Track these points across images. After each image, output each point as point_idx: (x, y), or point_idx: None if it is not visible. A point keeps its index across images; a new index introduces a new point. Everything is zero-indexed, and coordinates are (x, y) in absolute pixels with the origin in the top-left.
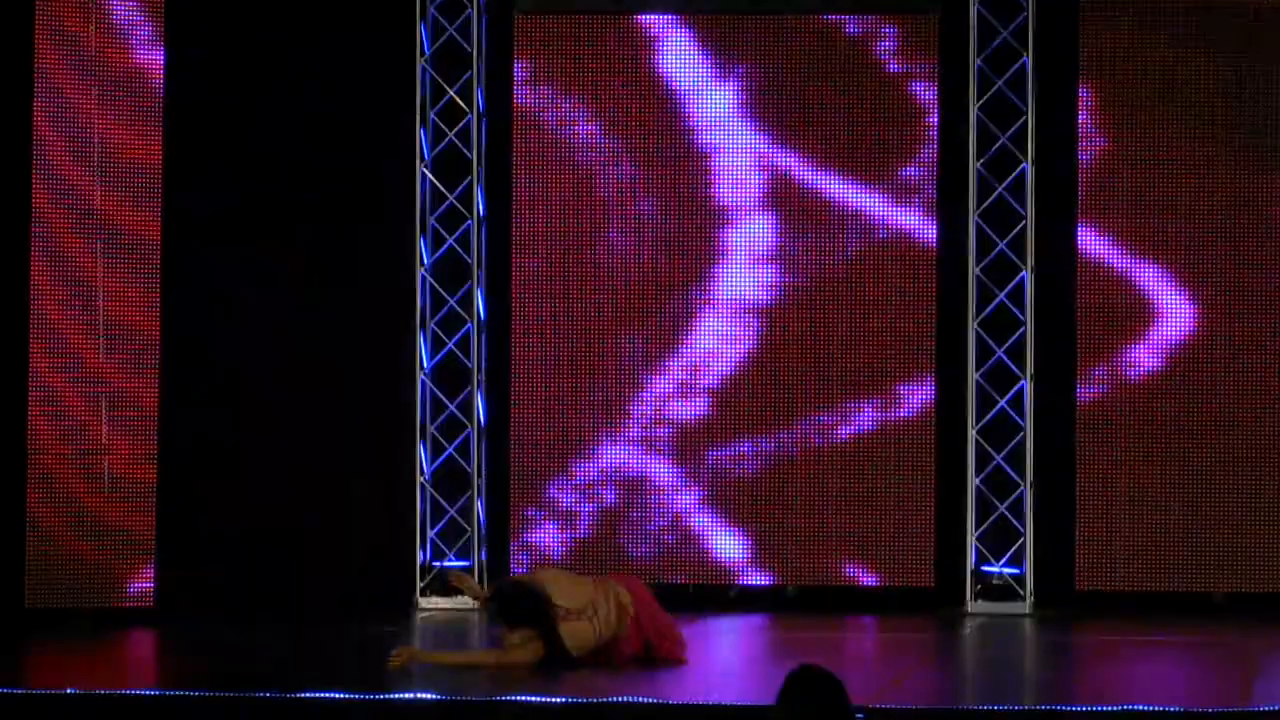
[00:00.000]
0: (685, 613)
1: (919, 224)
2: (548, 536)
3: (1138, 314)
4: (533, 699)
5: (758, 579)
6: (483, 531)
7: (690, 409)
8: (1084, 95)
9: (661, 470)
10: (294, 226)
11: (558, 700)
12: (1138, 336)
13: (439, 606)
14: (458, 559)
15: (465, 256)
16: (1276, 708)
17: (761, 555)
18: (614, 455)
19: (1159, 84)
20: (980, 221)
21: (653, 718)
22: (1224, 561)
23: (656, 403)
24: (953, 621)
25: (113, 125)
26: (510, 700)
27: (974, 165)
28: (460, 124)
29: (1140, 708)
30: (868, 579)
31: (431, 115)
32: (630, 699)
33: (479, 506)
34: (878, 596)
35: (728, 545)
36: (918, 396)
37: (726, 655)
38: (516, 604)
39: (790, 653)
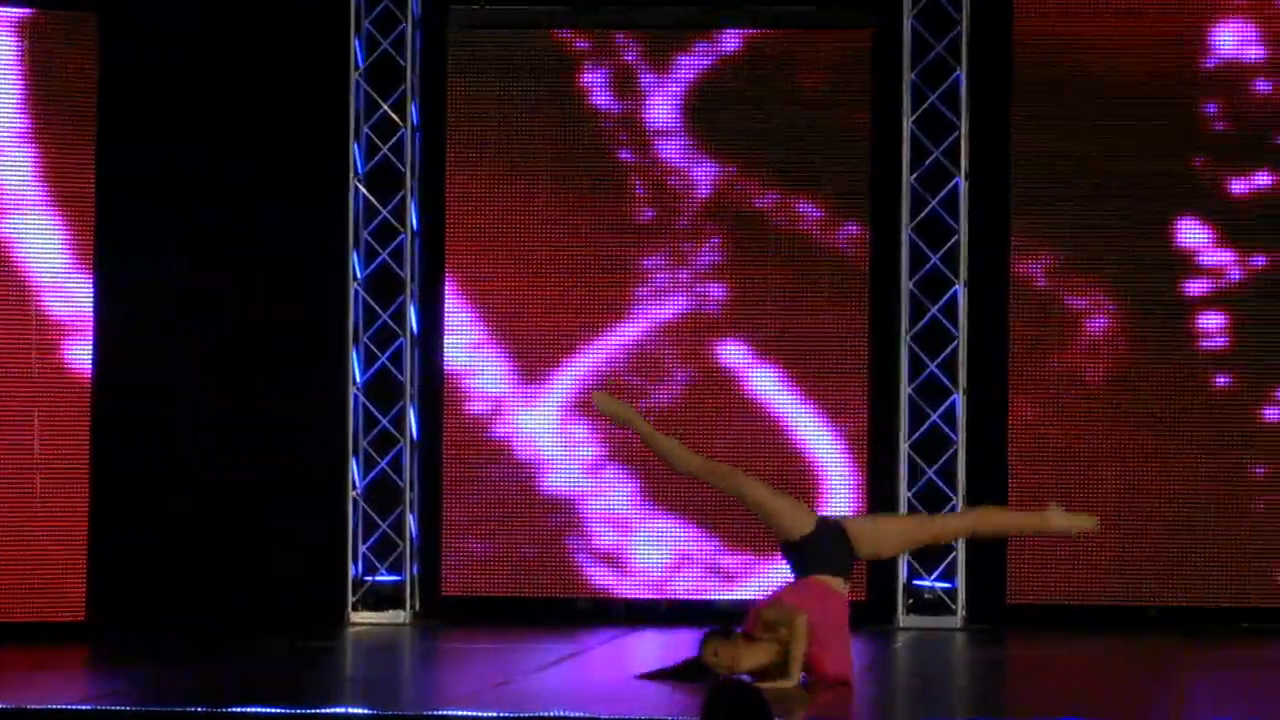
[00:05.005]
0: (617, 626)
1: (852, 238)
2: (481, 550)
3: (1070, 327)
4: (461, 713)
5: (694, 592)
6: (415, 545)
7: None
8: (1017, 109)
9: (594, 483)
10: (226, 239)
11: (491, 714)
12: (1070, 350)
13: (371, 621)
14: (389, 573)
15: (398, 271)
16: None
17: (700, 569)
18: (549, 469)
19: (1092, 97)
20: (913, 235)
21: None
22: (1157, 576)
23: (593, 413)
24: (884, 636)
25: (46, 139)
26: (454, 714)
27: (907, 179)
28: (394, 138)
29: None
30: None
31: (365, 129)
32: (568, 713)
33: (411, 521)
34: None
35: (656, 557)
36: (850, 410)
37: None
38: None
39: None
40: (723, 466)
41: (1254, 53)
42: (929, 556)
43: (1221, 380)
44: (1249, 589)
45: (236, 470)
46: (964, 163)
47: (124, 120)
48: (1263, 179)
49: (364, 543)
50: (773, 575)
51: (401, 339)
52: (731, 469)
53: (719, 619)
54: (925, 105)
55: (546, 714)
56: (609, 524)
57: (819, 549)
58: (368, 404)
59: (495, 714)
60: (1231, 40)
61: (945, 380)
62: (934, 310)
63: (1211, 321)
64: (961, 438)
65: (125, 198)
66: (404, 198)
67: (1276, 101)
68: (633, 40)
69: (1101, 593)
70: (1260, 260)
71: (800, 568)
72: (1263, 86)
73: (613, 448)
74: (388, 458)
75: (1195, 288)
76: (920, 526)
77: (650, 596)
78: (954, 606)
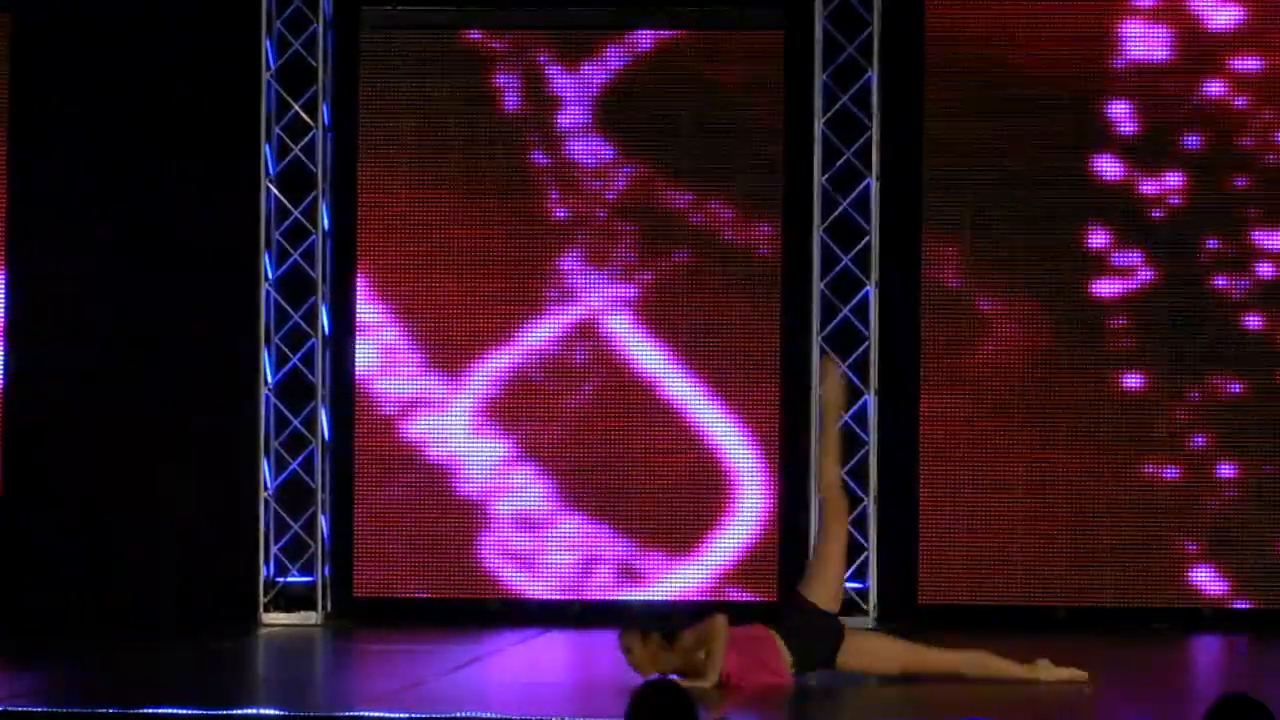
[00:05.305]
0: (530, 626)
1: (763, 238)
2: (393, 551)
3: (981, 328)
4: (373, 714)
5: (606, 593)
6: (326, 547)
7: (537, 421)
8: (928, 110)
9: (506, 485)
10: (137, 240)
11: (403, 715)
12: (981, 351)
13: (282, 622)
14: (301, 574)
15: (310, 271)
16: None
17: (612, 570)
18: (461, 470)
19: (1004, 98)
20: (825, 236)
21: None
22: (1067, 576)
23: (505, 415)
24: None
25: None
26: (366, 715)
27: (819, 180)
28: (305, 139)
29: None
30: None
31: (276, 130)
32: (480, 714)
33: (323, 522)
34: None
35: (568, 559)
36: (762, 410)
37: (567, 669)
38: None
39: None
40: (843, 501)
41: (1164, 53)
42: None
43: (1132, 382)
44: (1158, 590)
45: (147, 470)
46: (875, 163)
47: (36, 119)
48: (1173, 179)
49: (275, 544)
50: (683, 576)
51: (313, 340)
52: (847, 507)
53: (643, 619)
54: (837, 106)
55: (458, 715)
56: (521, 525)
57: (810, 626)
58: (279, 405)
59: (407, 715)
60: (1142, 41)
61: (857, 381)
62: (845, 311)
63: (1122, 323)
64: (873, 438)
65: (37, 196)
66: (316, 199)
67: (1187, 101)
68: (544, 41)
69: (1012, 594)
70: (1170, 261)
71: (779, 619)
72: (1173, 87)
73: (524, 449)
74: (299, 458)
75: (1106, 289)
76: (910, 650)
77: (562, 598)
78: (865, 607)
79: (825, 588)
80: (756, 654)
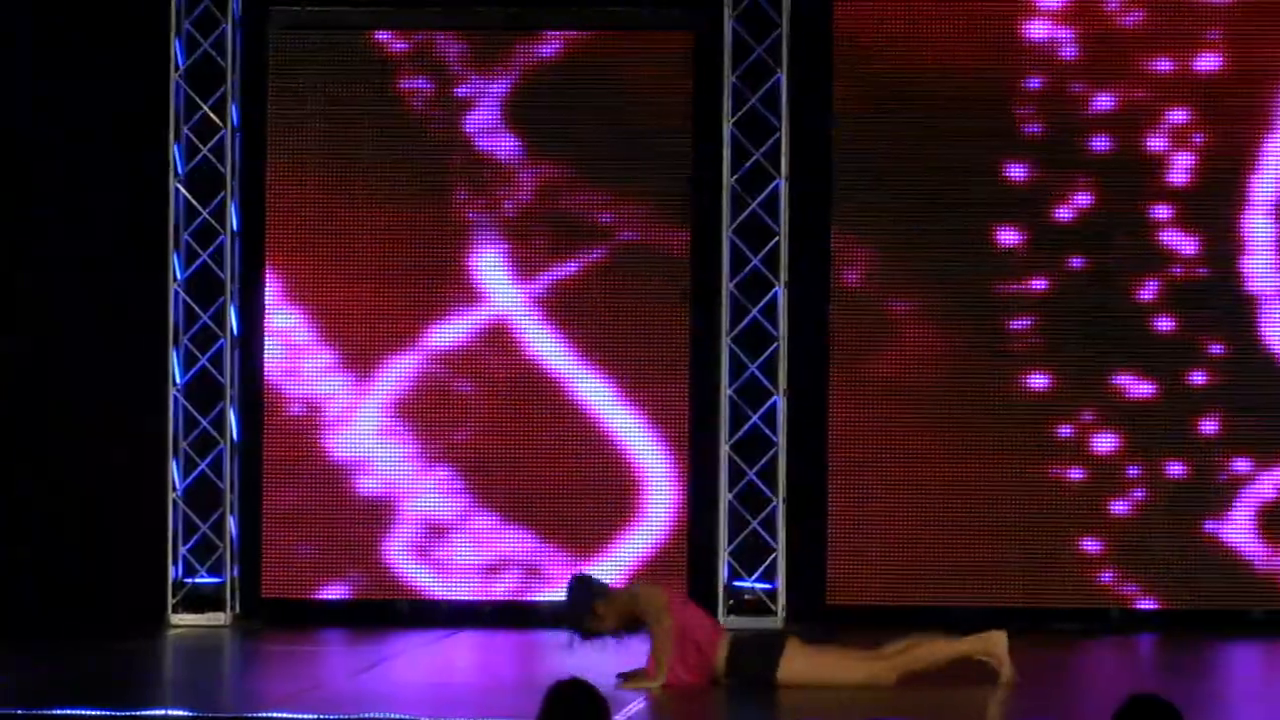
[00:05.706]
0: (438, 628)
1: (673, 239)
2: (302, 552)
3: (890, 329)
4: (281, 715)
5: (515, 594)
6: (235, 547)
7: (446, 422)
8: (838, 111)
9: (415, 485)
10: (44, 239)
11: (311, 716)
12: (890, 351)
13: (190, 623)
14: (209, 575)
15: (219, 272)
16: None
17: (520, 571)
18: (369, 470)
19: (912, 99)
20: (734, 237)
21: None
22: (975, 577)
23: (414, 416)
24: None
25: None
26: (274, 716)
27: (728, 181)
28: (214, 139)
29: None
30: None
31: (185, 130)
32: (388, 715)
33: (231, 523)
34: None
35: (477, 559)
36: (671, 411)
37: (479, 671)
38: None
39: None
40: (897, 674)
41: (1071, 54)
42: (749, 556)
43: (1041, 382)
44: (1064, 590)
45: (54, 471)
46: (784, 165)
47: None
48: (1081, 180)
49: (184, 544)
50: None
51: (222, 340)
52: (896, 676)
53: (570, 613)
54: (746, 107)
55: (365, 716)
56: (430, 526)
57: (752, 640)
58: (188, 405)
59: (315, 715)
60: (1049, 44)
61: (766, 382)
62: (755, 312)
63: (1029, 325)
64: (782, 439)
65: None
66: (224, 199)
67: (1094, 104)
68: (454, 42)
69: (921, 594)
70: (1078, 263)
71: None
72: (1083, 88)
73: (434, 449)
74: (208, 459)
75: (1013, 291)
76: (865, 660)
77: (471, 598)
78: (774, 608)
79: (804, 659)
80: (693, 638)
